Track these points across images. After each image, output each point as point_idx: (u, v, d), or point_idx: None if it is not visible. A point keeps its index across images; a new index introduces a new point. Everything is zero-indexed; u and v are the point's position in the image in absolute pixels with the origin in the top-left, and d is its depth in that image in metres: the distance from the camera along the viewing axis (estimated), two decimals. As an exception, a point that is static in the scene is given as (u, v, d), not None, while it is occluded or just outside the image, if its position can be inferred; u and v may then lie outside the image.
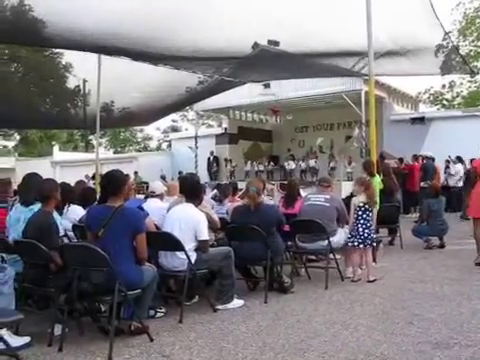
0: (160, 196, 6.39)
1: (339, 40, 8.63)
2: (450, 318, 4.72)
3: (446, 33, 9.70)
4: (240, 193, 8.65)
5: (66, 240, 5.44)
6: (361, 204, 6.48)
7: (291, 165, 23.04)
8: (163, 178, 20.56)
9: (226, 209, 7.27)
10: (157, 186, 6.60)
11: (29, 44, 9.30)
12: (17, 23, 7.22)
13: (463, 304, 5.20)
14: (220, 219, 6.17)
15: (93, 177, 17.75)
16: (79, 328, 4.45)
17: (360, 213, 6.47)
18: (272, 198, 6.67)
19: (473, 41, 29.72)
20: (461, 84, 31.23)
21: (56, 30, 7.12)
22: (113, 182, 4.47)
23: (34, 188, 4.90)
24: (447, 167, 16.20)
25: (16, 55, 11.69)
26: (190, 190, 5.43)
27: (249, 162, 23.99)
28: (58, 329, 4.24)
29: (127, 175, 6.45)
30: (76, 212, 6.14)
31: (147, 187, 12.54)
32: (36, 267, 4.53)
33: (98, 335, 4.42)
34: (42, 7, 6.68)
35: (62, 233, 5.17)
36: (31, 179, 5.23)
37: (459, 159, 16.04)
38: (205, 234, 5.15)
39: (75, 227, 5.90)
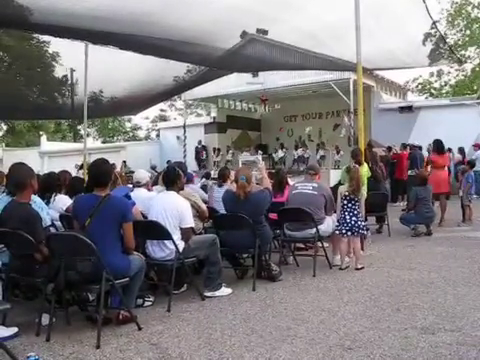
0: (146, 185, 6.32)
1: (328, 27, 8.58)
2: (436, 304, 4.77)
3: (434, 22, 9.67)
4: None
5: (53, 230, 5.40)
6: (346, 193, 6.52)
7: (280, 153, 23.08)
8: (153, 168, 20.51)
9: None
10: (142, 175, 6.41)
11: (17, 29, 9.12)
12: (3, 10, 7.11)
13: (449, 291, 5.25)
14: (207, 208, 6.18)
15: (81, 167, 17.63)
16: (67, 317, 4.44)
17: (346, 202, 6.51)
18: (262, 176, 6.56)
19: (461, 30, 29.82)
20: (449, 73, 31.41)
21: (42, 16, 7.03)
22: (99, 172, 4.45)
23: None
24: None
25: (1, 44, 11.52)
26: (167, 178, 5.41)
27: (231, 152, 23.87)
28: (46, 319, 4.23)
29: (113, 164, 6.38)
30: (63, 202, 6.09)
31: (133, 177, 12.46)
32: (23, 257, 4.50)
33: (86, 324, 4.42)
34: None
35: (49, 223, 5.13)
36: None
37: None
38: (188, 222, 5.14)
39: (62, 217, 5.87)
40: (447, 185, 10.63)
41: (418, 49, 9.93)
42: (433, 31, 9.90)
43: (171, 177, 5.38)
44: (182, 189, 5.47)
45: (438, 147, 10.89)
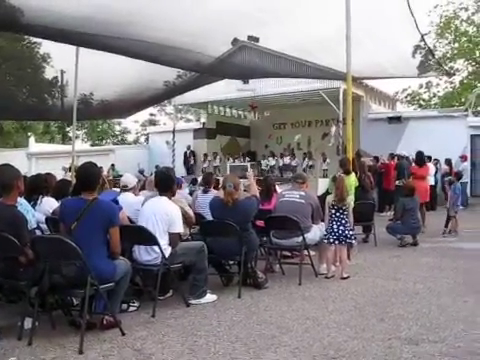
0: (133, 189, 6.28)
1: (318, 36, 8.62)
2: (420, 315, 4.79)
3: (422, 35, 9.76)
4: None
5: (39, 233, 5.35)
6: (334, 202, 6.55)
7: (271, 162, 23.10)
8: (141, 172, 20.45)
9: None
10: (129, 180, 6.37)
11: (8, 30, 9.06)
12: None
13: (433, 301, 5.28)
14: (195, 214, 6.16)
15: (69, 169, 17.55)
16: (50, 322, 4.40)
17: (334, 211, 6.53)
18: (250, 183, 6.54)
19: (449, 43, 30.13)
20: (438, 85, 31.70)
21: (33, 18, 7.00)
22: (87, 176, 4.43)
23: None
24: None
25: (-8, 45, 11.44)
26: (162, 183, 5.40)
27: (218, 157, 23.89)
28: (28, 323, 4.18)
29: (100, 168, 6.33)
30: (50, 204, 6.03)
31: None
32: (7, 260, 4.45)
33: (69, 329, 4.37)
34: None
35: (35, 225, 5.08)
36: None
37: (429, 158, 16.27)
38: (177, 227, 5.14)
39: (48, 219, 5.83)
40: (427, 195, 11.26)
41: (407, 61, 10.02)
42: (422, 43, 10.00)
43: (166, 182, 5.37)
44: (174, 195, 5.47)
45: (418, 159, 11.76)
